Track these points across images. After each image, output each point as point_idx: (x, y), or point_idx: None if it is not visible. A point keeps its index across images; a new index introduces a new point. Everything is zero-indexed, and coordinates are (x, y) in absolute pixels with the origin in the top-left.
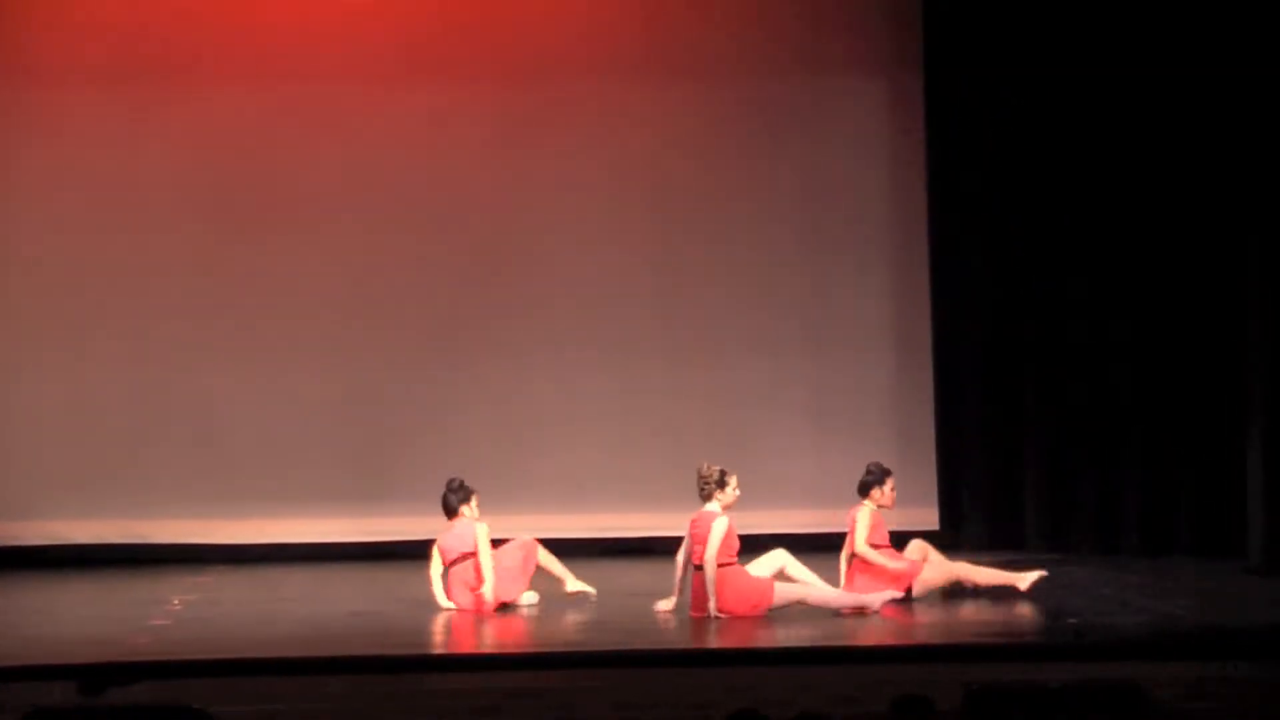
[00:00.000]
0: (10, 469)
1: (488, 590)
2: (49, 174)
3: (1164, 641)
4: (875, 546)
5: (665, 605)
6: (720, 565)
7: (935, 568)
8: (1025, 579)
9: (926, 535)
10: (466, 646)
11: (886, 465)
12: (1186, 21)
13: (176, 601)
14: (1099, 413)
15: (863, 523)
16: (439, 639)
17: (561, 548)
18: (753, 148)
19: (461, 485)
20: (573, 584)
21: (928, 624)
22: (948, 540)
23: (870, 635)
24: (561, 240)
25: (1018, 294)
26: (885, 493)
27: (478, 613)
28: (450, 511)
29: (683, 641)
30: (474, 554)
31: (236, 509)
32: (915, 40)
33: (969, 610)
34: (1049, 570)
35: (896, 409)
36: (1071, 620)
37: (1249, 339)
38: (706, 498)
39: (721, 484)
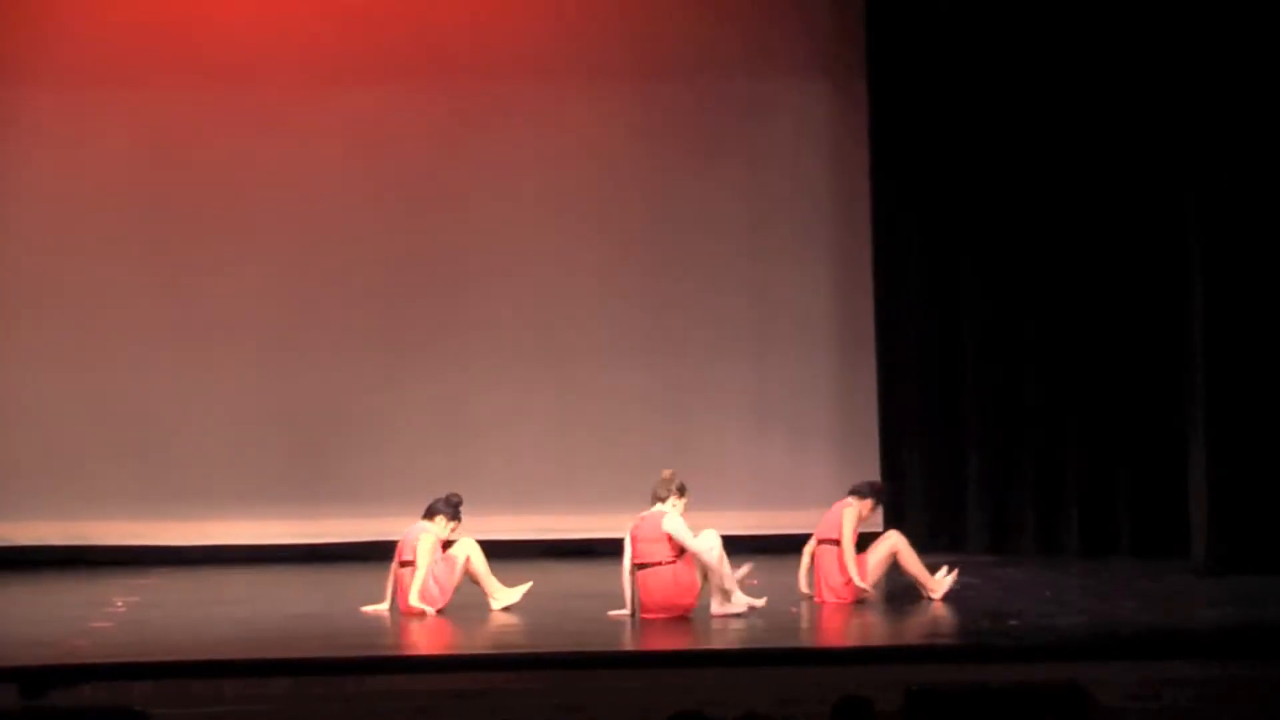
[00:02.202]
0: None
1: (412, 596)
2: None
3: (1105, 642)
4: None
5: (620, 613)
6: (656, 565)
7: (879, 564)
8: (940, 587)
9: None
10: (408, 648)
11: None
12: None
13: (119, 603)
14: (1041, 413)
15: (849, 521)
16: (381, 640)
17: (502, 549)
18: (697, 148)
19: (455, 506)
20: (499, 600)
21: (870, 625)
22: None
23: (812, 637)
24: (503, 242)
25: (961, 293)
26: (869, 509)
27: (411, 614)
28: (429, 513)
29: (624, 643)
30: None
31: (178, 511)
32: (859, 39)
33: (910, 612)
34: (990, 571)
35: (839, 409)
36: (1012, 621)
37: (1190, 338)
38: (660, 500)
39: (682, 492)
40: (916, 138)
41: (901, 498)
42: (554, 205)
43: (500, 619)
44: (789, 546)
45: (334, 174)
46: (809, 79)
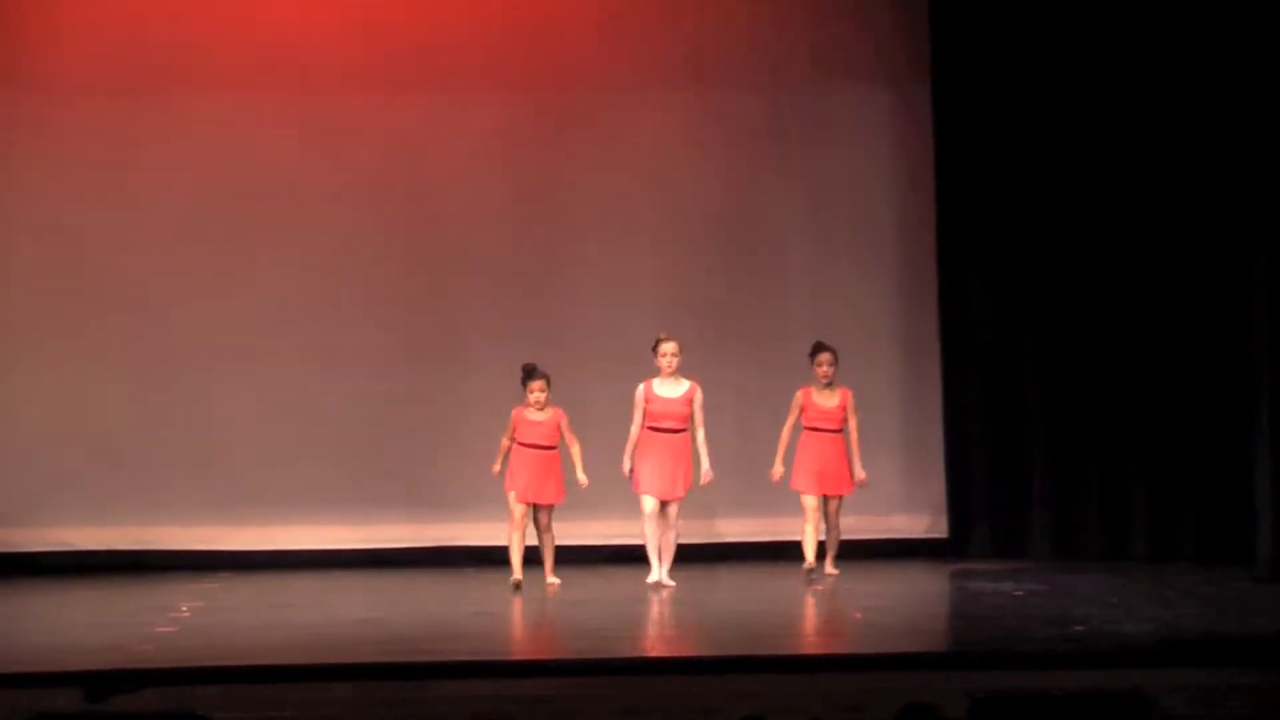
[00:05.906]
0: (15, 475)
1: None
2: (48, 181)
3: (1170, 649)
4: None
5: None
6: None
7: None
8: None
9: (934, 542)
10: (472, 654)
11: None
12: (1198, 25)
13: (184, 608)
14: (1106, 419)
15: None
16: (444, 645)
17: (567, 554)
18: (760, 153)
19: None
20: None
21: (933, 631)
22: (955, 547)
23: (876, 643)
24: (565, 244)
25: (1025, 299)
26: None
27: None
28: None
29: (688, 648)
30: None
31: (242, 516)
32: (924, 45)
33: (974, 618)
34: (1055, 577)
35: (903, 416)
36: (1077, 628)
37: (1255, 342)
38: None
39: None
40: (982, 142)
41: (967, 504)
42: (613, 213)
43: (565, 623)
44: (853, 552)
45: (392, 182)
46: (873, 83)
